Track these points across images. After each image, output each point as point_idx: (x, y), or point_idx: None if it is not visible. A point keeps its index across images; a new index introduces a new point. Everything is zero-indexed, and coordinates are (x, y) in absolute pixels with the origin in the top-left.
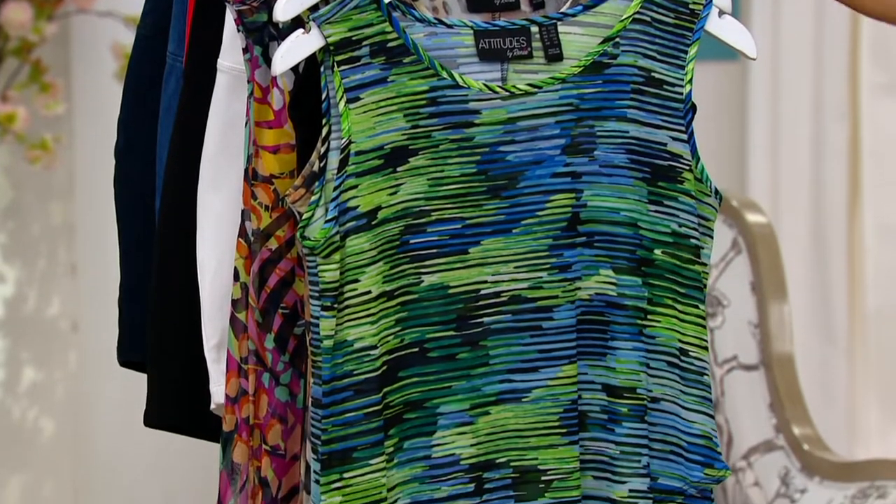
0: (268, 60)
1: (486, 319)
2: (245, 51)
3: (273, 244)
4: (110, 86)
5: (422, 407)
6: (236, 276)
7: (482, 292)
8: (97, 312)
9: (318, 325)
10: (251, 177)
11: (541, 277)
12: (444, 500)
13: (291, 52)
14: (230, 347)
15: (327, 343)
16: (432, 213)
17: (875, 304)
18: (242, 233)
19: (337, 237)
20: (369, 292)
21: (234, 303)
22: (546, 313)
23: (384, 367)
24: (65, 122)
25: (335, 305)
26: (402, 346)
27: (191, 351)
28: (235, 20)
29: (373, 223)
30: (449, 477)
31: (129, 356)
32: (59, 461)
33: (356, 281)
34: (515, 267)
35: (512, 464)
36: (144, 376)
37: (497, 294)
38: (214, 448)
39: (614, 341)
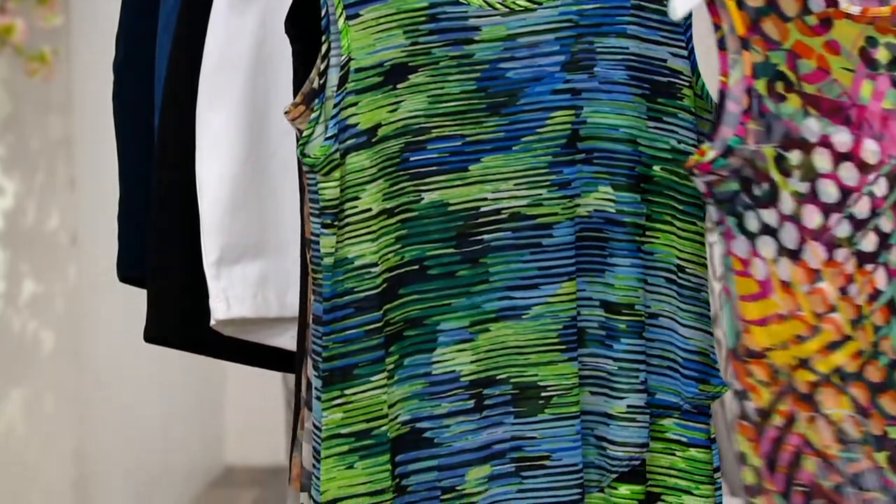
0: (743, 231)
1: (486, 237)
2: (718, 223)
3: (778, 421)
4: None
5: (422, 324)
6: (743, 459)
7: (482, 209)
8: (96, 226)
9: (318, 243)
10: (743, 354)
11: (540, 195)
12: (443, 416)
13: None
14: None
15: (328, 261)
16: (432, 131)
17: None
18: (744, 415)
19: (337, 154)
20: (370, 210)
21: (748, 490)
22: (545, 230)
23: (384, 285)
24: (63, 34)
25: (335, 223)
26: (402, 264)
27: (190, 267)
28: (704, 193)
29: (373, 140)
30: (449, 393)
31: (128, 272)
32: (60, 374)
33: (356, 198)
34: (515, 184)
35: (512, 380)
36: (144, 291)
37: (497, 211)
38: (212, 362)
39: (612, 258)
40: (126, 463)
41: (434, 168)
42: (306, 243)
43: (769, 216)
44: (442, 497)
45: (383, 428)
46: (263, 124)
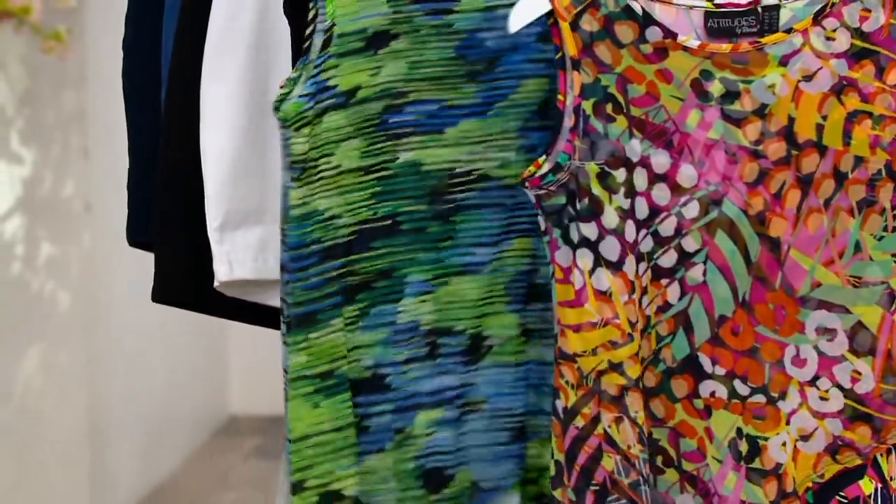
0: (567, 242)
1: (457, 196)
2: (544, 233)
3: (580, 422)
4: None
5: (391, 276)
6: (550, 454)
7: (455, 171)
8: (108, 194)
9: (287, 195)
10: (557, 356)
11: (509, 157)
12: (402, 362)
13: None
14: None
15: (295, 212)
16: (410, 94)
17: None
18: (554, 412)
19: (310, 112)
20: (340, 166)
21: (552, 480)
22: (510, 190)
23: (353, 237)
24: (77, 14)
25: (303, 177)
26: (376, 219)
27: (195, 232)
28: (534, 205)
29: (350, 101)
30: (409, 341)
31: (137, 237)
32: (74, 331)
33: (331, 155)
34: (486, 147)
35: (468, 331)
36: (152, 255)
37: (469, 172)
38: (216, 321)
39: None
40: (136, 413)
41: (411, 130)
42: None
43: (588, 230)
44: (394, 438)
45: (344, 368)
46: (264, 97)
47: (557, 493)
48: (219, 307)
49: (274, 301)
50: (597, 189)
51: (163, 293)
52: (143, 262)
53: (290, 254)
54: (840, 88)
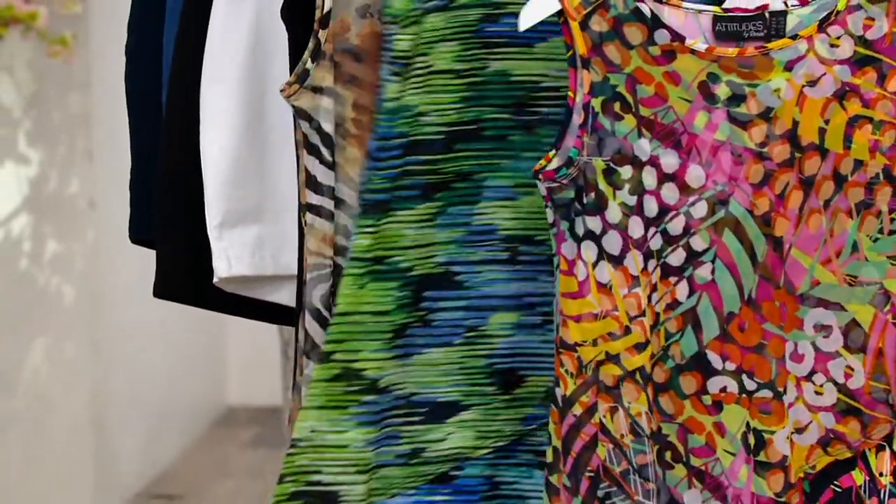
0: (573, 235)
1: (543, 109)
2: (552, 225)
3: (577, 410)
4: None
5: (470, 178)
6: (548, 440)
7: (542, 84)
8: (111, 193)
9: (385, 88)
10: (558, 345)
11: None
12: (476, 262)
13: None
14: None
15: (389, 105)
16: (507, 6)
17: None
18: (553, 399)
19: (417, 12)
20: (432, 66)
21: (549, 466)
22: None
23: (439, 137)
24: (81, 20)
25: (402, 72)
26: (462, 122)
27: (195, 230)
28: (544, 198)
29: (451, 5)
30: (485, 243)
31: (139, 234)
32: (78, 325)
33: (426, 55)
34: None
35: (548, 242)
36: (154, 252)
37: (556, 88)
38: (214, 316)
39: None
40: (138, 403)
41: (504, 40)
42: (302, 209)
43: (593, 223)
44: (465, 335)
45: (398, 258)
46: (262, 101)
47: (553, 479)
48: (217, 302)
49: (270, 297)
50: (602, 184)
51: (164, 288)
52: (145, 259)
53: (377, 143)
54: (842, 94)
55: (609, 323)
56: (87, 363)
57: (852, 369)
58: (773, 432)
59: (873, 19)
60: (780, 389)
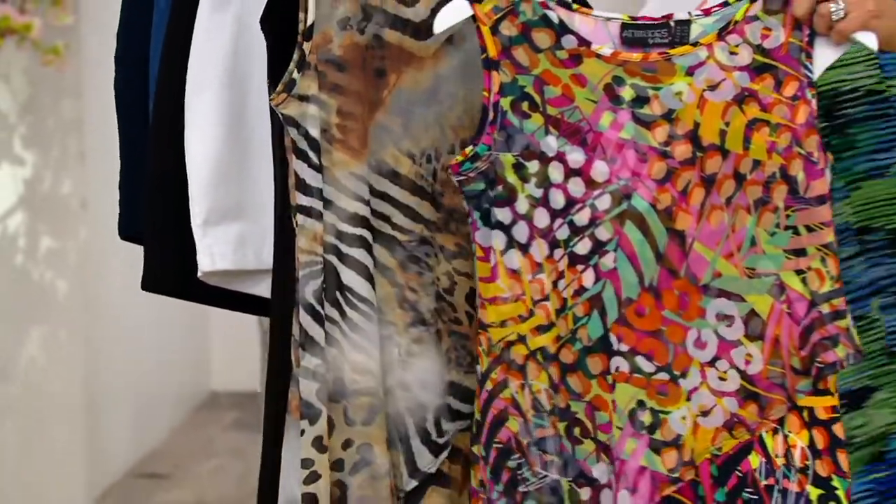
0: (486, 223)
1: (849, 111)
2: (467, 215)
3: (489, 386)
4: None
5: None
6: (474, 413)
7: (844, 88)
8: (102, 193)
9: None
10: (478, 326)
11: (880, 74)
12: (843, 259)
13: None
14: (471, 476)
15: None
16: None
17: None
18: (477, 376)
19: None
20: None
21: (472, 438)
22: (890, 101)
23: None
24: (73, 31)
25: None
26: None
27: (181, 228)
28: (457, 190)
29: None
30: (845, 240)
31: (128, 231)
32: (71, 317)
33: None
34: (866, 66)
35: (886, 227)
36: (142, 248)
37: (855, 90)
38: (199, 307)
39: None
40: (127, 389)
41: None
42: (293, 211)
43: (503, 214)
44: (857, 325)
45: None
46: (243, 106)
47: (475, 449)
48: (201, 295)
49: (251, 289)
50: (511, 178)
51: (151, 282)
52: (134, 255)
53: None
54: (742, 98)
55: (518, 306)
56: (80, 353)
57: (751, 356)
58: (668, 413)
59: (770, 29)
60: (678, 373)
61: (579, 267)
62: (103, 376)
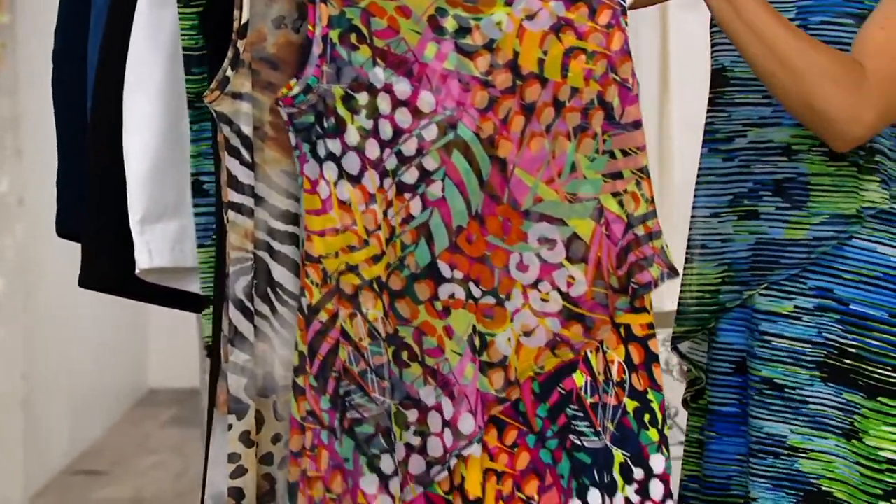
0: (315, 156)
1: None
2: (295, 147)
3: (323, 317)
4: None
5: None
6: (295, 346)
7: None
8: (40, 190)
9: None
10: (303, 258)
11: None
12: None
13: None
14: (292, 409)
15: None
16: None
17: (679, 178)
18: (300, 308)
19: None
20: None
21: (295, 369)
22: None
23: None
24: (9, 29)
25: None
26: None
27: (118, 225)
28: (286, 122)
29: None
30: None
31: (66, 228)
32: (9, 312)
33: None
34: None
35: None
36: (79, 245)
37: None
38: (137, 304)
39: None
40: (65, 385)
41: None
42: (224, 207)
43: (334, 145)
44: None
45: None
46: (181, 105)
47: (300, 381)
48: (139, 292)
49: (189, 287)
50: (341, 110)
51: (89, 279)
52: (72, 252)
53: None
54: (558, 27)
55: (349, 237)
56: (18, 348)
57: (574, 279)
58: (494, 335)
59: None
60: (503, 296)
61: (407, 195)
62: (41, 373)
